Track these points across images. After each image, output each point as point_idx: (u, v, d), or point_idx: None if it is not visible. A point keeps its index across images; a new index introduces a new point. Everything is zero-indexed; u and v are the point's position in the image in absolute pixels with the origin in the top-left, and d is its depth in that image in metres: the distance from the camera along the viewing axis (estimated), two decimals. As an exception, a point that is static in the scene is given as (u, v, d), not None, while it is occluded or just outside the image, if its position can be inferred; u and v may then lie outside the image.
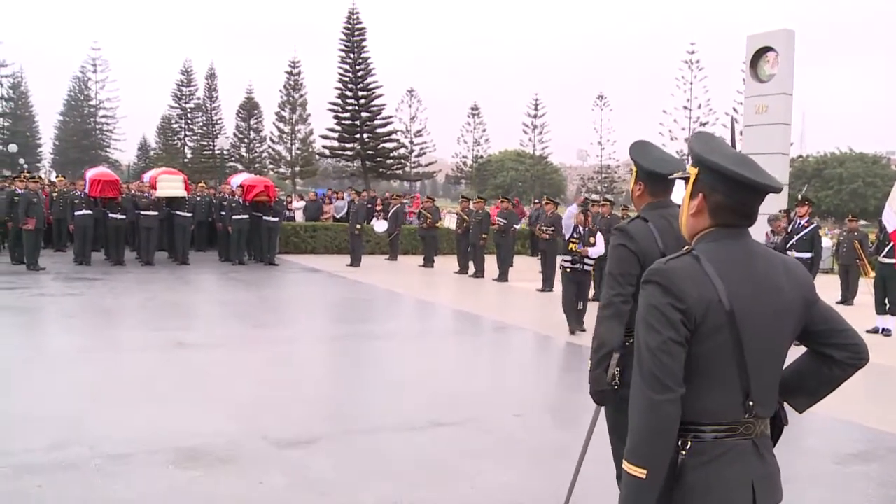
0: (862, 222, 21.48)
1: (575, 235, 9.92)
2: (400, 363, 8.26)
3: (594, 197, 56.82)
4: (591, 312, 9.93)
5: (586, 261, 9.95)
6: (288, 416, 5.89)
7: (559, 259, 10.99)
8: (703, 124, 66.44)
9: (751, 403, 2.03)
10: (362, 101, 54.48)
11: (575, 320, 10.06)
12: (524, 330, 10.55)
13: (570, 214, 10.03)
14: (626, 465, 1.99)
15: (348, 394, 6.83)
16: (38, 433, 5.14)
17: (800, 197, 10.60)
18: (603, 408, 3.63)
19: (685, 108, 66.86)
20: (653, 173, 3.44)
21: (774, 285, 2.06)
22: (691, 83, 66.35)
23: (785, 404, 2.23)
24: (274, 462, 4.82)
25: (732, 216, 2.09)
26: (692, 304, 1.96)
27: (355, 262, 17.96)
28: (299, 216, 23.22)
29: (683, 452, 2.00)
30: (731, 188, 2.06)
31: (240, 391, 6.60)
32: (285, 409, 6.08)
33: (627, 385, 3.43)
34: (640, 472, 1.95)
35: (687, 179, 2.20)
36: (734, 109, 63.32)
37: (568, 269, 10.08)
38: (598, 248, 9.87)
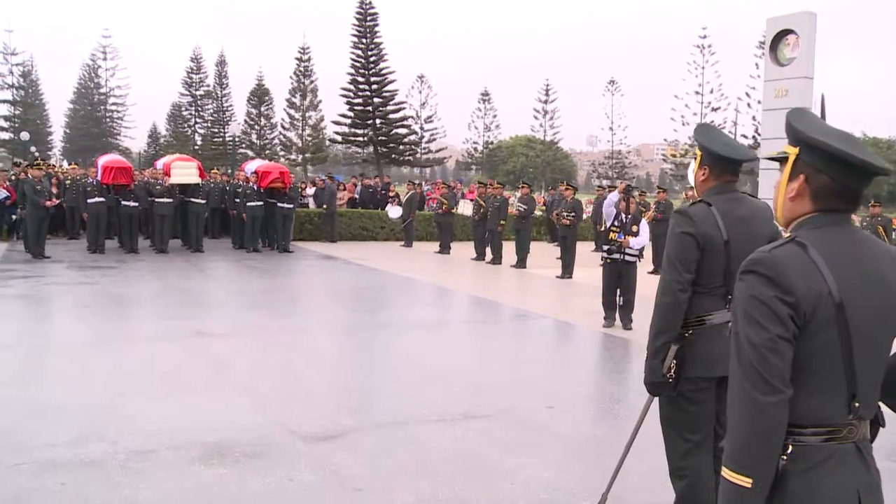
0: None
1: (616, 224, 9.58)
2: (424, 352, 8.06)
3: (604, 182, 56.49)
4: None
5: (627, 251, 9.53)
6: (314, 407, 5.70)
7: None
8: (714, 109, 65.98)
9: (856, 404, 1.84)
10: (375, 86, 54.13)
11: (611, 314, 9.70)
12: (548, 318, 10.33)
13: (610, 202, 9.70)
14: (726, 473, 1.81)
15: (374, 384, 6.62)
16: (60, 427, 4.98)
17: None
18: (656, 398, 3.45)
19: (697, 93, 66.33)
20: (720, 157, 3.28)
21: (882, 277, 1.86)
22: (703, 68, 65.81)
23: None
24: (303, 457, 4.64)
25: (837, 200, 1.89)
26: (801, 297, 1.77)
27: (332, 239, 20.03)
28: (312, 203, 23.04)
29: (784, 457, 1.82)
30: (836, 169, 1.86)
31: (263, 382, 6.41)
32: (311, 401, 5.90)
33: (685, 378, 3.26)
34: (745, 482, 1.77)
35: (784, 160, 1.99)
36: (746, 94, 63.07)
37: (607, 260, 9.74)
38: (640, 239, 9.46)
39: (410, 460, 4.70)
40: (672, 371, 3.22)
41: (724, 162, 3.29)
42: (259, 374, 6.70)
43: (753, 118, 63.48)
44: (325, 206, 20.41)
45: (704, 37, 65.78)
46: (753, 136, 63.72)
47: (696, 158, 3.42)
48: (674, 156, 72.88)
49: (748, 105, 63.73)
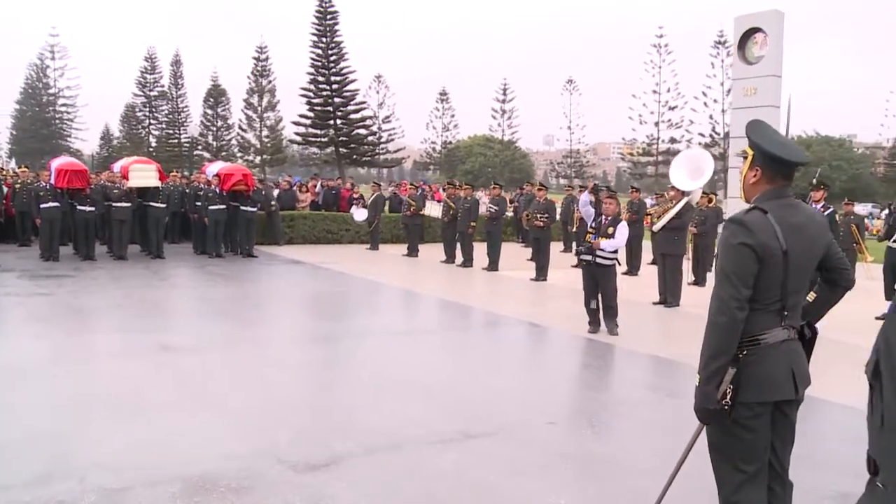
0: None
1: (593, 225, 9.25)
2: (406, 363, 7.63)
3: (566, 182, 56.47)
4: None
5: (599, 253, 9.17)
6: (300, 431, 5.25)
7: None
8: (671, 108, 66.67)
9: None
10: (335, 86, 53.43)
11: (595, 319, 9.36)
12: (530, 324, 9.98)
13: (584, 202, 9.41)
14: None
15: (360, 402, 6.16)
16: (17, 463, 4.44)
17: (814, 181, 10.12)
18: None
19: (654, 91, 66.97)
20: (776, 158, 2.94)
21: None
22: (660, 67, 66.57)
23: None
24: (295, 490, 4.19)
25: None
26: None
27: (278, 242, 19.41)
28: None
29: None
30: None
31: (242, 403, 5.93)
32: (296, 423, 5.45)
33: (741, 404, 2.91)
34: None
35: None
36: (703, 93, 63.76)
37: (582, 262, 9.43)
38: (613, 241, 9.04)
39: (414, 491, 4.28)
40: (728, 397, 2.87)
41: (779, 164, 2.96)
42: (235, 393, 6.22)
43: (710, 117, 64.27)
44: (272, 206, 19.34)
45: (661, 36, 66.68)
46: (710, 135, 64.54)
47: (745, 158, 3.08)
48: (631, 154, 73.42)
49: (704, 104, 64.48)
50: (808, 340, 3.09)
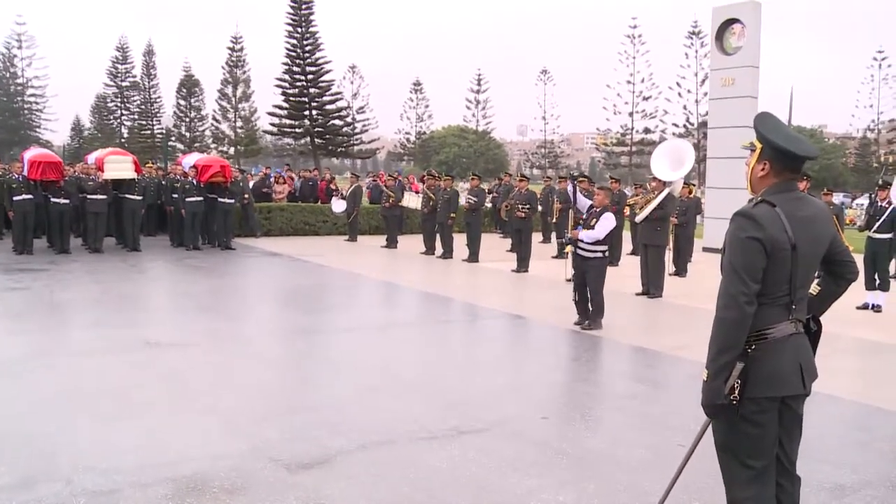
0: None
1: (583, 216, 9.21)
2: (392, 357, 7.56)
3: (551, 173, 56.58)
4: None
5: (581, 244, 9.08)
6: (291, 427, 5.16)
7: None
8: (646, 98, 66.94)
9: None
10: (310, 76, 52.93)
11: (583, 311, 9.24)
12: (514, 316, 9.94)
13: (573, 192, 9.37)
14: None
15: (349, 397, 6.06)
16: (2, 466, 4.31)
17: (797, 172, 10.15)
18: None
19: (628, 82, 67.15)
20: (785, 152, 2.90)
21: None
22: (634, 57, 66.71)
23: None
24: (290, 490, 4.10)
25: None
26: None
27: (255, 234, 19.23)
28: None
29: None
30: None
31: (230, 400, 5.82)
32: (285, 419, 5.36)
33: (749, 399, 2.87)
34: None
35: None
36: (677, 84, 64.10)
37: (570, 253, 9.41)
38: (592, 233, 8.90)
39: (412, 488, 4.21)
40: (736, 392, 2.84)
41: (789, 158, 2.93)
42: (221, 389, 6.11)
43: (684, 107, 64.68)
44: (246, 198, 18.83)
45: (635, 27, 66.77)
46: (685, 125, 64.95)
47: (752, 151, 3.04)
48: (605, 145, 73.66)
49: (679, 94, 64.85)
50: (813, 334, 3.08)
